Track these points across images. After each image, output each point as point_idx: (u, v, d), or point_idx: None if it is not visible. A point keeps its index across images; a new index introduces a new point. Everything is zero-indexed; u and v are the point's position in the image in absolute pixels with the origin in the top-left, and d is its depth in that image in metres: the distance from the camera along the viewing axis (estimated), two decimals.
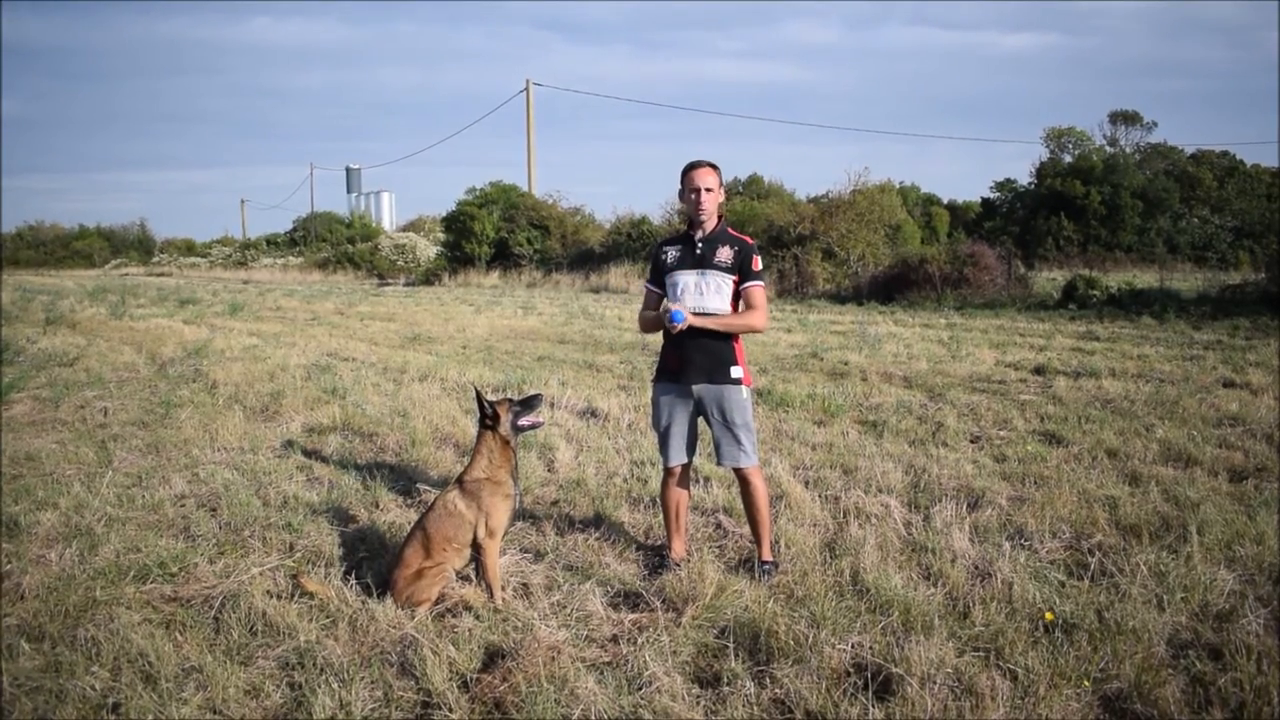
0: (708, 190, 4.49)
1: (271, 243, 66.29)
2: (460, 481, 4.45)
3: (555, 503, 5.83)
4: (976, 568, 4.53)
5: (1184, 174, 45.47)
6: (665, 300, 4.67)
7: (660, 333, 4.61)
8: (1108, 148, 48.62)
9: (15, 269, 62.80)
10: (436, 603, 4.19)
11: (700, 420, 4.67)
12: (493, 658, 3.69)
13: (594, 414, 8.35)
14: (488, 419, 4.49)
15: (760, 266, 4.59)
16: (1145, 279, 25.16)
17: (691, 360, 4.50)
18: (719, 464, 4.80)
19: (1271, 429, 7.28)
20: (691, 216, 4.59)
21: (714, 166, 4.54)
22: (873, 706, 3.28)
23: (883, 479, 6.03)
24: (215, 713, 3.36)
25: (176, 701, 3.37)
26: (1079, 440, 7.12)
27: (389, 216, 78.14)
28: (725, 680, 3.50)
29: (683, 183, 4.56)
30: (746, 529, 4.90)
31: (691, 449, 4.71)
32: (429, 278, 38.98)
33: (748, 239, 4.65)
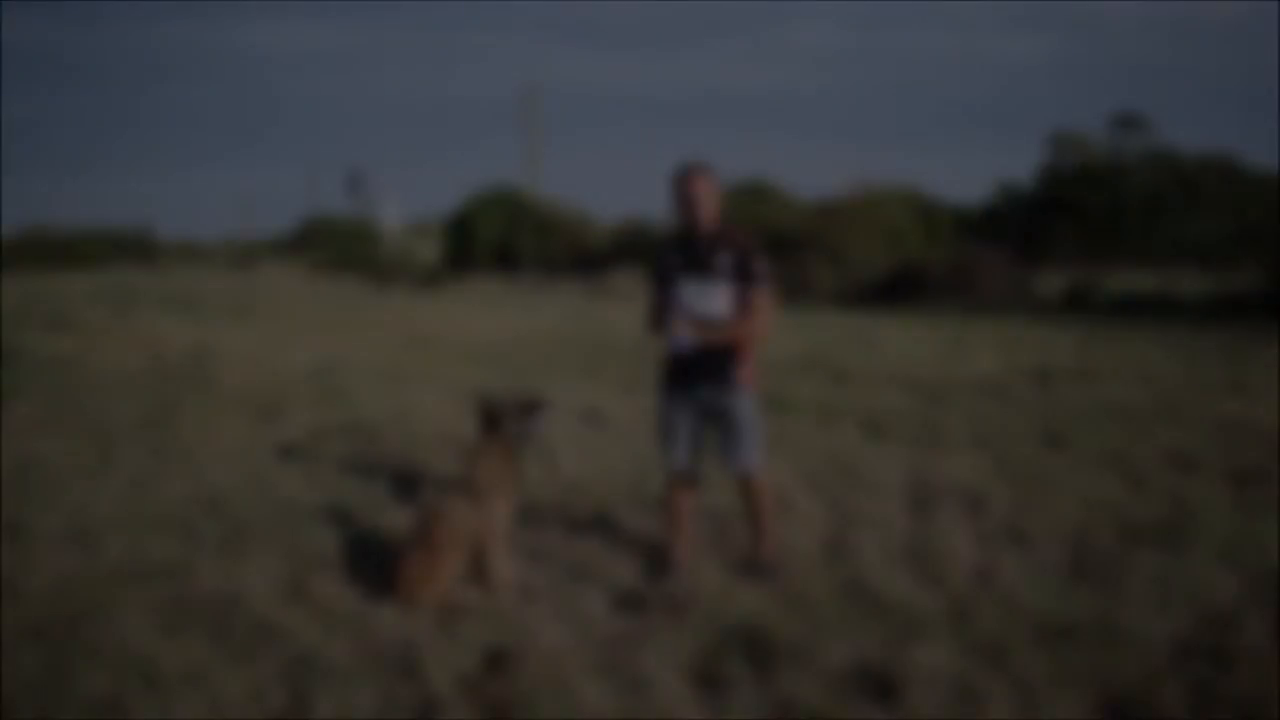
0: (702, 194, 4.46)
1: (274, 245, 66.33)
2: (462, 484, 4.45)
3: (557, 505, 5.83)
4: (978, 571, 4.52)
5: (1186, 178, 45.47)
6: (670, 309, 4.65)
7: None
8: (1110, 151, 48.61)
9: (16, 271, 62.83)
10: (438, 605, 4.20)
11: (704, 423, 4.67)
12: (494, 660, 3.69)
13: (596, 417, 8.36)
14: (490, 421, 4.49)
15: (764, 269, 4.54)
16: (1147, 282, 25.12)
17: (696, 364, 4.50)
18: (722, 467, 4.80)
19: (1274, 433, 7.27)
20: (691, 222, 4.57)
21: (704, 169, 4.51)
22: (874, 710, 3.28)
23: (884, 482, 6.02)
24: (217, 715, 3.36)
25: (178, 704, 3.37)
26: (1081, 443, 7.12)
27: (391, 219, 78.17)
28: (727, 683, 3.50)
29: (674, 191, 4.51)
30: (748, 532, 4.90)
31: (695, 452, 4.71)
32: (431, 280, 38.98)
33: (751, 240, 4.62)
